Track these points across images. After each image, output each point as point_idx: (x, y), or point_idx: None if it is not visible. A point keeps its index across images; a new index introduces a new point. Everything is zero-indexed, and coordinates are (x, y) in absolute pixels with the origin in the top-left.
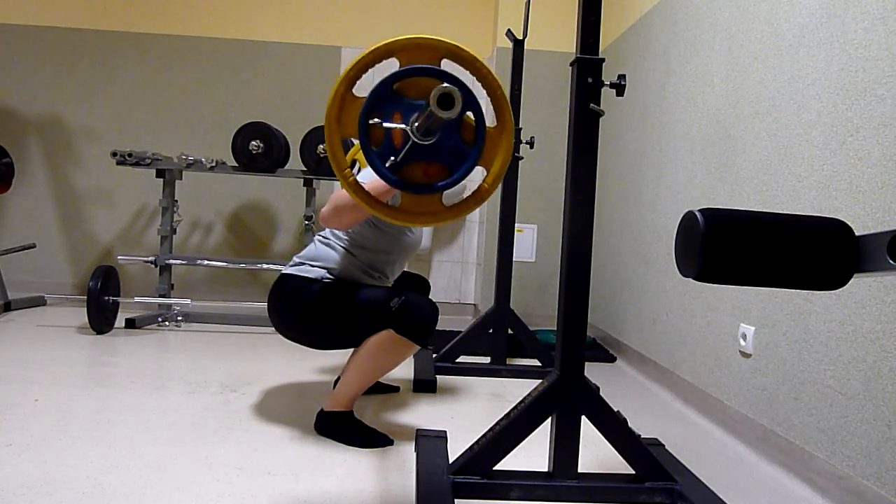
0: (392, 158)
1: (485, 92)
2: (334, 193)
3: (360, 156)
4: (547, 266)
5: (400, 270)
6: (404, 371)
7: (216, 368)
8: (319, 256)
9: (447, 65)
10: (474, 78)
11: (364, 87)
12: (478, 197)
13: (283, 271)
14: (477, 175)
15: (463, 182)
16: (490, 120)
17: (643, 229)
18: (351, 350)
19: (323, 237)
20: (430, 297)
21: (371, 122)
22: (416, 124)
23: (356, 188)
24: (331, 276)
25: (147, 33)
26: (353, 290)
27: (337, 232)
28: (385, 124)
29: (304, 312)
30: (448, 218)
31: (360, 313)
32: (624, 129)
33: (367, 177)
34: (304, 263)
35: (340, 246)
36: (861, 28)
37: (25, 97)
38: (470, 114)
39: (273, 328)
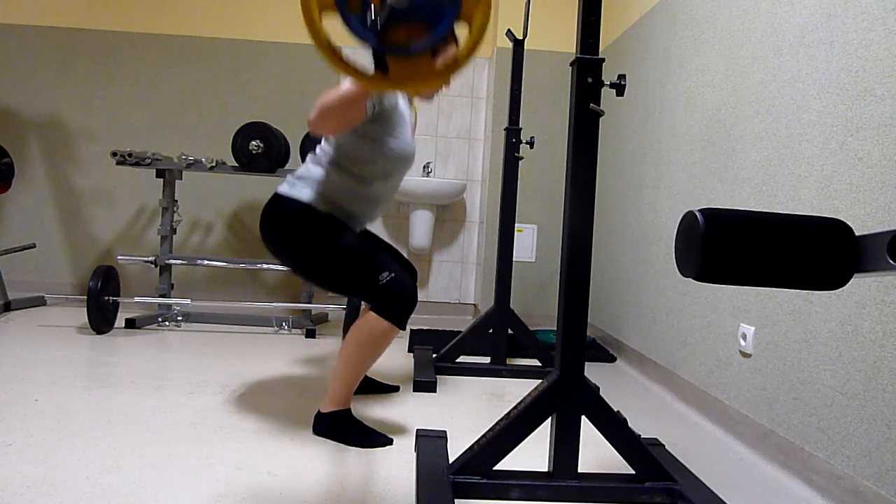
0: (372, 20)
1: None
2: (318, 99)
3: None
4: (547, 266)
5: (393, 188)
6: (404, 371)
7: (216, 368)
8: (309, 175)
9: None
10: None
11: None
12: (465, 51)
13: (277, 189)
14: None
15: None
16: None
17: (643, 229)
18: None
19: (313, 156)
20: (415, 285)
21: None
22: None
23: (339, 60)
24: (320, 198)
25: (147, 33)
26: (349, 238)
27: (326, 149)
28: None
29: (294, 240)
30: (437, 79)
31: (350, 266)
32: (624, 129)
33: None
34: (294, 184)
35: (330, 163)
36: (861, 28)
37: (25, 97)
38: None
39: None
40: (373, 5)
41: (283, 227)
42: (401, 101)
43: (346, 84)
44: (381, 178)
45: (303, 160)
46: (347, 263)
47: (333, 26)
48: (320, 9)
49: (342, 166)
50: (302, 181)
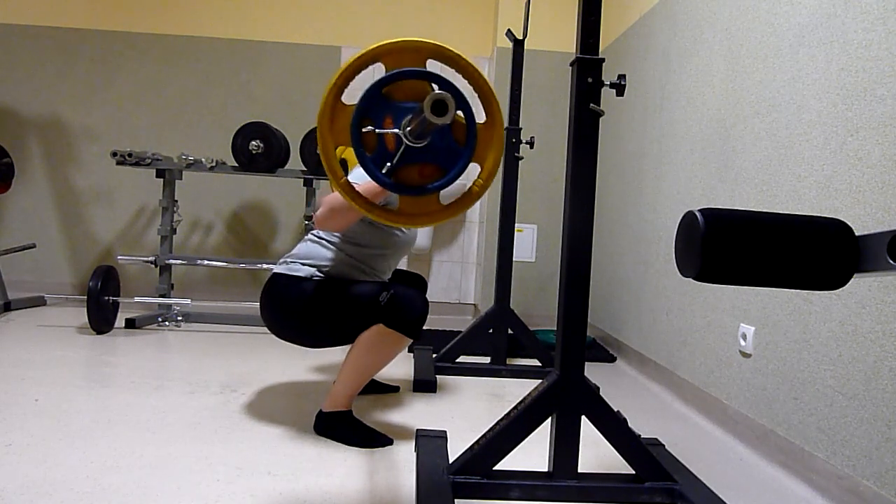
0: (388, 164)
1: (472, 88)
2: (328, 196)
3: (349, 153)
4: (547, 266)
5: (393, 267)
6: (404, 371)
7: (216, 368)
8: (310, 255)
9: (433, 65)
10: (460, 76)
11: (354, 95)
12: (473, 195)
13: (274, 270)
14: (472, 171)
15: (462, 183)
16: (479, 116)
17: (643, 229)
18: (347, 348)
19: (314, 235)
20: (426, 294)
21: (364, 130)
22: (409, 128)
23: (352, 193)
24: (321, 274)
25: (147, 33)
26: (343, 287)
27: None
28: (378, 131)
29: (295, 311)
30: (445, 217)
31: (350, 310)
32: (624, 129)
33: (359, 177)
34: (294, 262)
35: (332, 244)
36: (861, 28)
37: (25, 97)
38: (460, 112)
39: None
40: (387, 144)
41: (284, 303)
42: None
43: (362, 175)
44: (384, 262)
45: (303, 160)
46: (347, 307)
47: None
48: (336, 145)
49: (344, 249)
50: (301, 260)
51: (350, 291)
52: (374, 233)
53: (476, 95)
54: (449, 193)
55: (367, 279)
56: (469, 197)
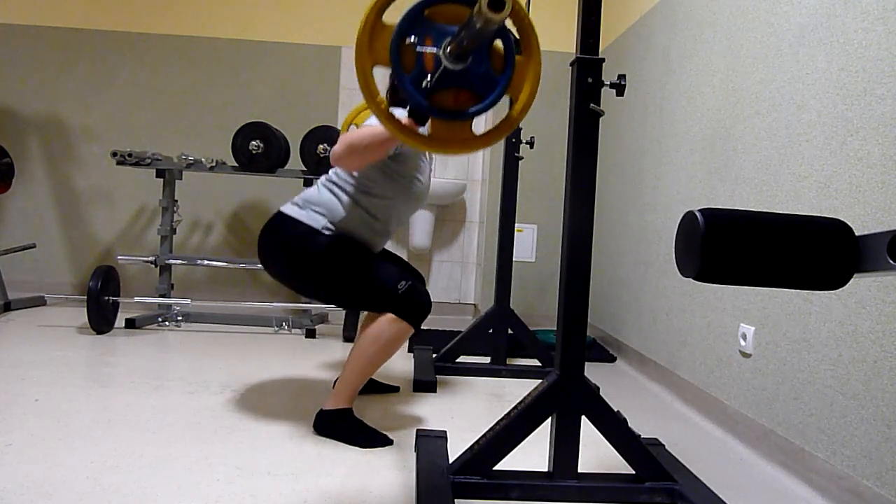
0: (426, 81)
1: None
2: (346, 133)
3: (360, 119)
4: (547, 266)
5: (403, 222)
6: (404, 371)
7: (216, 368)
8: (323, 202)
9: None
10: None
11: (393, 17)
12: (506, 125)
13: (282, 210)
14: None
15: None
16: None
17: (643, 229)
18: (348, 346)
19: (328, 181)
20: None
21: (406, 43)
22: (448, 49)
23: (388, 117)
24: (332, 227)
25: (147, 33)
26: (364, 260)
27: (343, 175)
28: (418, 48)
29: (303, 263)
30: (479, 145)
31: (368, 286)
32: (624, 129)
33: (375, 124)
34: (305, 207)
35: (345, 193)
36: (861, 28)
37: (25, 97)
38: (499, 42)
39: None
40: (426, 66)
41: (292, 252)
42: None
43: (375, 124)
44: (395, 214)
45: (303, 160)
46: (363, 283)
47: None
48: (373, 63)
49: (356, 197)
50: (313, 206)
51: (372, 269)
52: (390, 182)
53: (515, 28)
54: (445, 193)
55: (376, 237)
56: (506, 124)
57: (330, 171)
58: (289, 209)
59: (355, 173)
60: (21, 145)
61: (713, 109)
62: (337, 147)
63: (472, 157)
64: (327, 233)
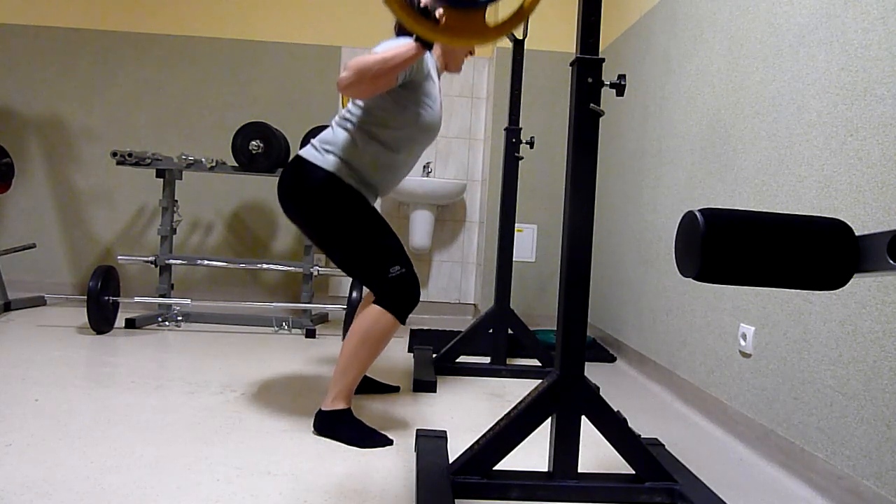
0: None
1: None
2: (353, 59)
3: None
4: (547, 266)
5: (415, 158)
6: (404, 371)
7: (216, 368)
8: (338, 142)
9: None
10: None
11: None
12: (520, 14)
13: (301, 153)
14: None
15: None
16: None
17: (643, 229)
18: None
19: (342, 118)
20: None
21: None
22: None
23: (402, 6)
24: (349, 168)
25: (147, 33)
26: (374, 221)
27: (355, 112)
28: None
29: (318, 211)
30: (494, 35)
31: (368, 248)
32: (624, 129)
33: (386, 48)
34: (321, 150)
35: (359, 129)
36: (861, 28)
37: (25, 97)
38: None
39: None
40: None
41: (308, 196)
42: (432, 71)
43: (383, 49)
44: (407, 147)
45: None
46: (364, 248)
47: None
48: None
49: (370, 132)
50: (328, 146)
51: (378, 234)
52: (402, 112)
53: None
54: (445, 193)
55: (390, 177)
56: (519, 14)
57: (342, 109)
58: (305, 152)
59: (367, 107)
60: (21, 145)
61: (713, 110)
62: (345, 73)
63: (472, 158)
64: (340, 176)
